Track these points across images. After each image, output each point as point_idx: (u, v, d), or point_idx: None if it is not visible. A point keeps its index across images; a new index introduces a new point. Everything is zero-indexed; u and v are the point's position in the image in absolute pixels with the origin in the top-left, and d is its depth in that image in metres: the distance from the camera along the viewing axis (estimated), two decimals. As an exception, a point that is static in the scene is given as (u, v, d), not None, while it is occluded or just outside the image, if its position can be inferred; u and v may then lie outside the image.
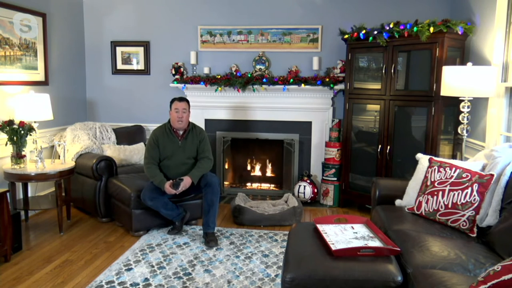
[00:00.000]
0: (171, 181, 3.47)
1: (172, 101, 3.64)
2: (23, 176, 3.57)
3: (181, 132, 3.65)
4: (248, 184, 5.21)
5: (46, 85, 4.38)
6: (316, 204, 4.71)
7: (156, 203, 3.53)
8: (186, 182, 3.48)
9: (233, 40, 4.87)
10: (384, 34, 3.93)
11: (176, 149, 3.61)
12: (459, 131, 3.38)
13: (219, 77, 4.78)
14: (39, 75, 4.29)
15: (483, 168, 2.74)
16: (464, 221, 2.54)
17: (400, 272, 2.05)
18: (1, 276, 2.91)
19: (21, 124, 3.58)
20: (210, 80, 4.76)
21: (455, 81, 3.21)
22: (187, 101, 3.67)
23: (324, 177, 4.70)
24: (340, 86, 4.56)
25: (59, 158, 4.02)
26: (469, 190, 2.55)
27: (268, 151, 5.19)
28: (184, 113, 3.58)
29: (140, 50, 5.05)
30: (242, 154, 5.24)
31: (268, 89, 4.73)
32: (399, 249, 2.22)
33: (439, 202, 2.65)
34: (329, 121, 4.77)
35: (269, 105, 4.84)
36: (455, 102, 3.52)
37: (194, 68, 4.93)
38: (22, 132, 3.58)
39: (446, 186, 2.65)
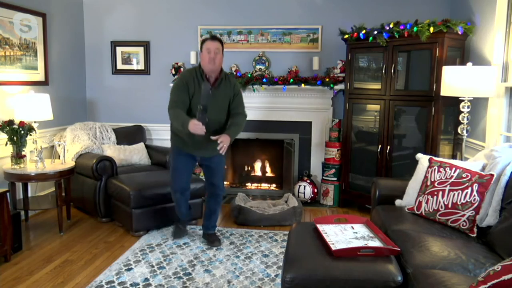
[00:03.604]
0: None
1: (203, 42, 3.14)
2: (23, 176, 3.57)
3: (213, 79, 3.12)
4: (248, 184, 5.20)
5: (46, 85, 4.38)
6: (316, 204, 4.71)
7: (184, 197, 3.44)
8: (224, 140, 2.99)
9: (233, 40, 4.87)
10: (384, 34, 3.93)
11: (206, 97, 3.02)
12: (459, 131, 3.38)
13: (219, 77, 4.77)
14: (39, 75, 4.29)
15: (483, 168, 2.74)
16: (464, 221, 2.54)
17: (400, 272, 2.05)
18: (1, 276, 2.91)
19: (21, 124, 3.58)
20: (210, 80, 4.76)
21: (455, 81, 3.21)
22: (221, 42, 3.15)
23: (324, 177, 4.70)
24: (340, 86, 4.56)
25: (59, 158, 4.03)
26: (469, 190, 2.55)
27: (268, 151, 5.19)
28: (217, 54, 3.05)
29: (140, 50, 5.05)
30: (242, 154, 5.24)
31: (268, 89, 4.73)
32: (399, 249, 2.22)
33: (439, 202, 2.65)
34: (329, 121, 4.77)
35: (269, 105, 4.84)
36: (455, 102, 3.52)
37: (194, 68, 4.93)
38: (22, 132, 3.58)
39: (446, 186, 2.65)
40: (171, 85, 4.84)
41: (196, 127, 2.80)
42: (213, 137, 2.99)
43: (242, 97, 3.28)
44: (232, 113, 3.23)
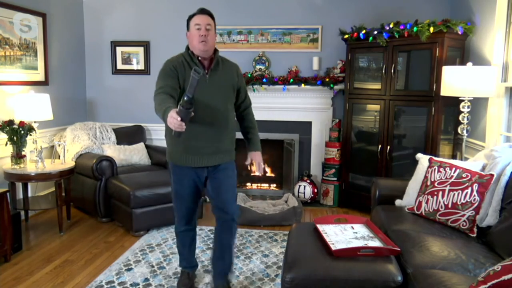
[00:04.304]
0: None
1: (190, 17, 2.49)
2: (23, 176, 3.57)
3: (206, 63, 2.46)
4: (248, 184, 5.20)
5: (46, 85, 4.38)
6: (316, 204, 4.71)
7: (190, 233, 2.73)
8: (257, 159, 2.61)
9: (233, 40, 4.87)
10: (384, 34, 3.93)
11: (202, 84, 2.30)
12: (459, 131, 3.38)
13: (219, 77, 4.77)
14: (39, 75, 4.29)
15: (483, 168, 2.74)
16: (464, 221, 2.54)
17: (400, 272, 2.05)
18: (1, 276, 2.91)
19: (21, 124, 3.58)
20: (210, 80, 4.76)
21: (455, 81, 3.21)
22: (212, 16, 2.49)
23: (324, 177, 4.70)
24: (340, 86, 4.56)
25: (59, 158, 4.03)
26: (469, 190, 2.55)
27: (268, 151, 5.19)
28: (209, 31, 2.38)
29: (140, 50, 5.05)
30: (242, 154, 5.23)
31: (268, 89, 4.73)
32: (399, 249, 2.22)
33: (439, 202, 2.65)
34: (329, 121, 4.77)
35: (269, 105, 4.83)
36: (455, 102, 3.52)
37: (194, 68, 4.93)
38: (22, 132, 3.58)
39: (446, 186, 2.65)
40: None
41: (172, 120, 1.98)
42: (246, 163, 2.65)
43: (244, 81, 2.67)
44: (241, 107, 2.63)
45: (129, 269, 3.03)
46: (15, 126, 3.55)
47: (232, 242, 2.65)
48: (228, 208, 2.57)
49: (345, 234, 2.40)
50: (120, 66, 5.11)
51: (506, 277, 1.45)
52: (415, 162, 3.10)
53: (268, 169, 5.21)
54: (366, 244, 2.25)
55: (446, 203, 2.62)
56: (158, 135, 5.09)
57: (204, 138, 2.42)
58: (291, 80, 4.60)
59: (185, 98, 1.96)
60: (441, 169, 2.74)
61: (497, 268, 1.52)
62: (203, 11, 2.48)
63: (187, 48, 2.48)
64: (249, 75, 4.71)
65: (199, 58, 2.42)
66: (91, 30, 5.11)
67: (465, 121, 3.33)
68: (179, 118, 1.97)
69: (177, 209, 2.64)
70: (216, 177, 2.54)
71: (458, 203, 2.56)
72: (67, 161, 3.95)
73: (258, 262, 3.17)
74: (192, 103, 1.99)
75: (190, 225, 2.69)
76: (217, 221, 2.64)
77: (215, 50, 2.49)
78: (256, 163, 2.61)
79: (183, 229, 2.68)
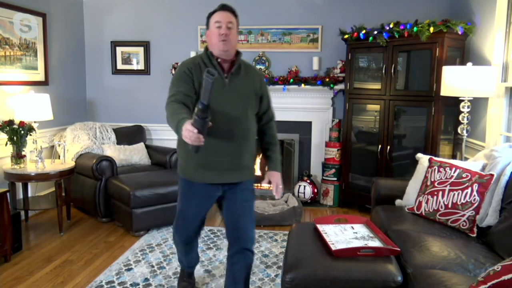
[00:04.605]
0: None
1: (210, 14, 2.28)
2: (23, 176, 3.57)
3: (227, 65, 2.19)
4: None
5: (46, 85, 4.38)
6: (316, 204, 4.71)
7: (191, 247, 2.51)
8: (277, 180, 2.27)
9: (233, 40, 4.87)
10: (384, 34, 3.93)
11: (220, 89, 2.08)
12: (459, 131, 3.38)
13: (219, 77, 4.77)
14: (39, 75, 4.29)
15: (483, 168, 2.74)
16: (464, 221, 2.54)
17: (400, 272, 2.05)
18: (1, 276, 2.91)
19: (21, 124, 3.58)
20: (210, 80, 4.76)
21: (455, 81, 3.21)
22: (235, 14, 2.25)
23: (324, 177, 4.70)
24: (340, 86, 4.56)
25: (59, 158, 4.03)
26: (469, 190, 2.55)
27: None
28: (230, 29, 2.14)
29: (140, 50, 5.05)
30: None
31: (268, 89, 4.73)
32: (399, 249, 2.22)
33: (439, 202, 2.65)
34: (329, 121, 4.77)
35: (269, 105, 4.83)
36: (455, 102, 3.52)
37: (194, 68, 4.93)
38: (22, 132, 3.58)
39: (446, 186, 2.65)
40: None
41: (188, 134, 1.74)
42: (264, 184, 2.30)
43: (268, 92, 2.36)
44: (263, 120, 2.32)
45: (129, 269, 3.03)
46: (15, 126, 3.55)
47: (247, 275, 2.29)
48: (244, 236, 2.26)
49: (345, 234, 2.40)
50: (120, 66, 5.11)
51: (506, 277, 1.45)
52: (415, 162, 3.10)
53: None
54: (366, 244, 2.25)
55: (446, 203, 2.62)
56: (158, 135, 5.09)
57: (222, 152, 2.12)
58: (291, 80, 4.60)
59: (200, 106, 1.70)
60: (441, 169, 2.74)
61: (497, 268, 1.52)
62: (224, 8, 2.22)
63: (206, 49, 2.21)
64: (249, 75, 4.70)
65: (219, 60, 2.15)
66: (91, 30, 5.11)
67: (465, 121, 3.33)
68: (195, 130, 1.72)
69: (178, 228, 2.40)
70: (233, 200, 2.24)
71: (458, 203, 2.56)
72: (67, 161, 3.95)
73: (258, 262, 3.17)
74: (208, 111, 1.71)
75: (191, 245, 2.49)
76: (230, 248, 2.30)
77: (238, 53, 2.22)
78: (274, 185, 2.26)
79: (181, 246, 2.50)
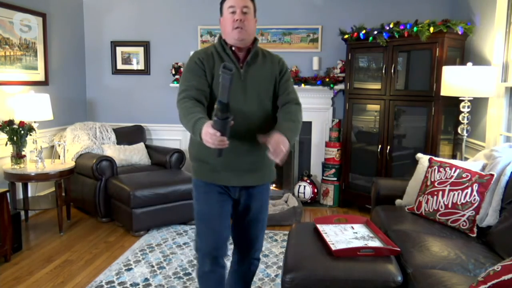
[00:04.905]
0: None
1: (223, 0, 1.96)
2: (23, 176, 3.57)
3: (242, 54, 1.95)
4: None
5: (46, 85, 4.38)
6: (316, 204, 4.71)
7: (218, 273, 2.03)
8: (278, 140, 1.72)
9: (233, 40, 4.86)
10: (384, 34, 3.93)
11: (235, 82, 1.77)
12: (459, 131, 3.38)
13: (219, 77, 4.77)
14: (39, 75, 4.29)
15: (483, 168, 2.74)
16: (464, 221, 2.54)
17: (400, 272, 2.05)
18: (1, 276, 2.91)
19: (21, 124, 3.58)
20: (210, 80, 4.75)
21: (455, 81, 3.21)
22: None
23: (324, 177, 4.70)
24: (340, 86, 4.56)
25: (59, 158, 4.03)
26: (469, 190, 2.55)
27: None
28: (246, 14, 1.88)
29: (140, 50, 5.05)
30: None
31: (268, 89, 4.73)
32: (399, 249, 2.22)
33: (439, 202, 2.65)
34: (329, 121, 4.77)
35: (269, 105, 4.83)
36: (455, 102, 3.52)
37: (194, 68, 4.92)
38: (22, 132, 3.58)
39: (446, 186, 2.65)
40: (172, 85, 4.90)
41: (211, 138, 1.58)
42: (261, 138, 1.77)
43: (291, 79, 2.09)
44: (280, 102, 1.99)
45: (129, 269, 3.03)
46: (15, 126, 3.55)
47: (250, 281, 2.19)
48: (254, 246, 2.10)
49: (345, 234, 2.40)
50: (120, 66, 5.11)
51: (506, 277, 1.45)
52: (415, 162, 3.10)
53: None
54: (366, 244, 2.25)
55: (446, 203, 2.62)
56: (158, 135, 5.09)
57: (240, 151, 1.88)
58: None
59: (218, 106, 1.54)
60: (441, 169, 2.73)
61: (497, 268, 1.52)
62: None
63: (220, 37, 1.98)
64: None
65: (233, 48, 1.92)
66: (91, 30, 5.11)
67: (465, 121, 3.33)
68: (218, 133, 1.55)
69: (201, 239, 2.00)
70: (247, 205, 2.01)
71: (458, 203, 2.56)
72: (67, 161, 3.95)
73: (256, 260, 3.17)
74: (228, 109, 1.55)
75: (219, 262, 2.02)
76: (235, 253, 2.14)
77: (255, 40, 1.97)
78: (273, 143, 1.70)
79: (208, 269, 2.00)
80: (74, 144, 4.28)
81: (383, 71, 4.05)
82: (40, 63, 4.30)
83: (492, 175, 2.53)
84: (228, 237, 2.04)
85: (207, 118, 1.70)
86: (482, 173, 2.60)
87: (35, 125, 3.70)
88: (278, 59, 2.02)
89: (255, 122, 1.90)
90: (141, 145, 4.68)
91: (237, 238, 2.11)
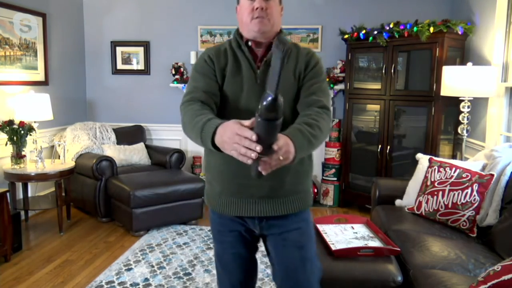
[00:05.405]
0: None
1: None
2: (23, 176, 3.57)
3: (260, 50, 1.57)
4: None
5: (46, 85, 4.38)
6: (316, 204, 4.71)
7: None
8: (283, 144, 1.22)
9: (233, 40, 4.86)
10: (384, 34, 3.93)
11: (250, 85, 1.53)
12: (459, 131, 3.38)
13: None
14: (39, 75, 4.29)
15: (483, 168, 2.74)
16: (464, 221, 2.54)
17: (400, 272, 2.05)
18: (1, 276, 2.91)
19: (21, 124, 3.58)
20: (210, 80, 4.75)
21: (455, 81, 3.21)
22: None
23: (324, 177, 4.70)
24: (340, 86, 4.56)
25: (59, 158, 4.02)
26: (469, 190, 2.55)
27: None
28: (268, 1, 1.50)
29: (140, 50, 5.04)
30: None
31: (268, 89, 4.72)
32: (399, 249, 2.22)
33: (439, 202, 2.65)
34: (329, 121, 4.76)
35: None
36: (455, 102, 3.52)
37: (194, 68, 4.92)
38: (22, 132, 3.58)
39: (446, 186, 2.65)
40: (172, 85, 4.90)
41: (239, 139, 1.15)
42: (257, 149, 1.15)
43: (324, 77, 1.58)
44: (301, 106, 1.51)
45: (129, 269, 3.03)
46: (15, 126, 3.55)
47: None
48: None
49: (345, 234, 2.40)
50: (120, 66, 5.11)
51: (506, 277, 1.45)
52: (415, 162, 3.10)
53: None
54: (366, 244, 2.25)
55: (446, 203, 2.62)
56: (158, 135, 5.09)
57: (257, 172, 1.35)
58: (291, 80, 4.60)
59: (264, 103, 1.09)
60: (441, 169, 2.74)
61: (497, 268, 1.52)
62: None
63: (236, 31, 1.63)
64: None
65: (249, 43, 1.56)
66: (91, 30, 5.11)
67: (465, 121, 3.33)
68: (254, 136, 1.12)
69: (219, 282, 1.75)
70: (279, 244, 1.59)
71: (458, 203, 2.56)
72: (67, 161, 3.95)
73: (258, 262, 3.16)
74: (277, 107, 1.09)
75: None
76: None
77: (279, 33, 1.56)
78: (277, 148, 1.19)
79: None
80: (74, 144, 4.28)
81: (383, 71, 4.05)
82: (40, 63, 4.29)
83: (492, 175, 2.53)
84: (248, 282, 1.74)
85: (223, 120, 1.27)
86: (482, 173, 2.60)
87: (35, 125, 3.70)
88: (307, 52, 1.59)
89: None
90: (141, 145, 4.68)
91: (280, 284, 1.64)
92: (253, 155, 1.13)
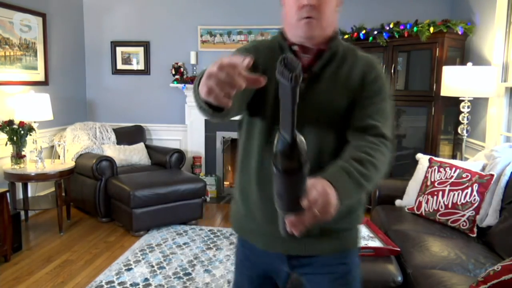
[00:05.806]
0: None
1: None
2: (23, 176, 3.57)
3: (308, 57, 1.24)
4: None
5: (46, 85, 4.37)
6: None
7: None
8: (319, 192, 0.91)
9: (233, 40, 4.87)
10: (384, 34, 3.93)
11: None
12: (459, 131, 3.38)
13: (219, 77, 4.76)
14: (39, 75, 4.29)
15: (483, 168, 2.74)
16: (464, 221, 2.54)
17: (400, 272, 2.05)
18: (1, 276, 2.91)
19: (21, 124, 3.58)
20: (210, 80, 4.75)
21: (455, 81, 3.21)
22: None
23: (324, 177, 4.69)
24: (340, 86, 4.55)
25: (59, 158, 4.02)
26: (469, 190, 2.55)
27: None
28: None
29: (140, 50, 5.04)
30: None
31: (268, 89, 4.72)
32: (399, 249, 2.22)
33: (439, 202, 2.65)
34: (329, 121, 4.76)
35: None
36: (455, 102, 3.52)
37: (194, 68, 4.92)
38: (22, 132, 3.58)
39: (446, 186, 2.65)
40: (172, 85, 4.90)
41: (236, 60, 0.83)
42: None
43: (385, 96, 1.24)
44: (352, 130, 1.20)
45: (129, 269, 3.03)
46: (15, 126, 3.55)
47: None
48: None
49: (345, 234, 2.40)
50: (120, 66, 5.11)
51: (506, 277, 1.45)
52: (415, 162, 3.10)
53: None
54: (366, 244, 2.25)
55: (446, 203, 2.62)
56: (158, 135, 5.09)
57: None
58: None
59: (279, 148, 0.85)
60: (441, 169, 2.73)
61: (497, 268, 1.52)
62: None
63: (281, 30, 1.32)
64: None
65: (294, 48, 1.25)
66: (91, 30, 5.11)
67: (465, 121, 3.33)
68: (242, 60, 0.84)
69: None
70: (317, 279, 1.31)
71: (458, 203, 2.56)
72: (67, 161, 3.95)
73: None
74: (298, 153, 0.85)
75: None
76: None
77: (333, 38, 1.24)
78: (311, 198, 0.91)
79: None
80: (74, 144, 4.28)
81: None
82: (40, 63, 4.29)
83: (492, 175, 2.53)
84: None
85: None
86: (482, 173, 2.60)
87: (35, 125, 3.70)
88: (366, 60, 1.25)
89: (317, 161, 1.16)
90: (141, 145, 4.68)
91: None
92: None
